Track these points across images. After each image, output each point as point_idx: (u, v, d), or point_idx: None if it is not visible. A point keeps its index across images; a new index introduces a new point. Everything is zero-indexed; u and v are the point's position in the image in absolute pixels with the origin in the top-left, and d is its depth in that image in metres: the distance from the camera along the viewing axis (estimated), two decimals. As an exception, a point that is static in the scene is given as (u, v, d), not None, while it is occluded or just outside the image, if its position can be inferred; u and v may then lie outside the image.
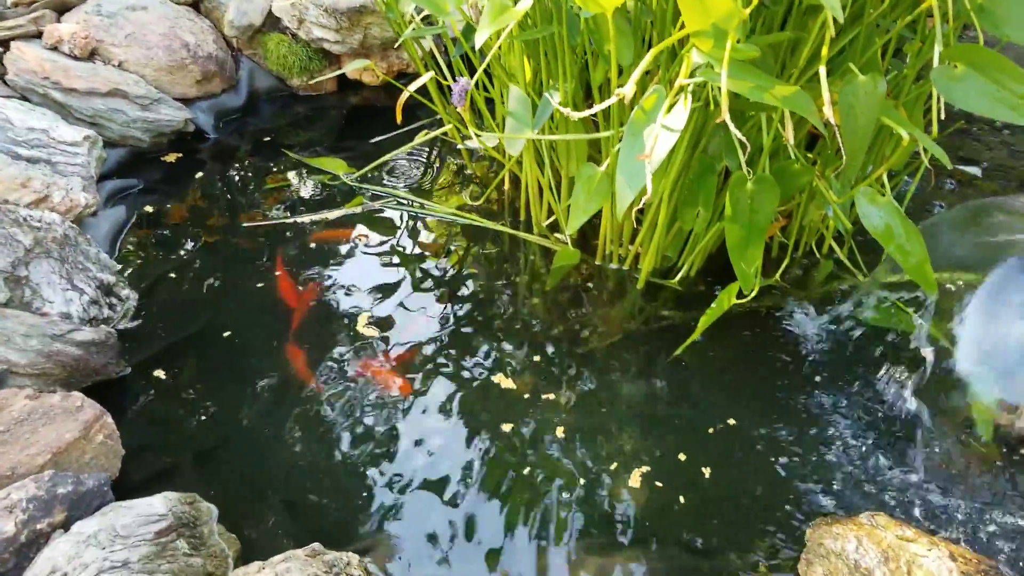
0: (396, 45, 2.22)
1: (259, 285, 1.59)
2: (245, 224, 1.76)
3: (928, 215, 1.75)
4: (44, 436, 1.10)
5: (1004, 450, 1.17)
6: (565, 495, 1.21)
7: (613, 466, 1.25)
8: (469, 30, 1.55)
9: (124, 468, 1.19)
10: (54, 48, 1.86)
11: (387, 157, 1.96)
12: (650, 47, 1.32)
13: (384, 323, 1.51)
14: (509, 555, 1.13)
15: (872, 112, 1.05)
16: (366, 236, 1.74)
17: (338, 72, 2.16)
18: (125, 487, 1.16)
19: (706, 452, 1.27)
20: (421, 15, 1.78)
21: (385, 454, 1.26)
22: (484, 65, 1.37)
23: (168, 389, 1.36)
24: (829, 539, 1.05)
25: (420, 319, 1.52)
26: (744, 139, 1.05)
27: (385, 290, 1.59)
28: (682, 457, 1.26)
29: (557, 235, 1.72)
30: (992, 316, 1.20)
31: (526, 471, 1.24)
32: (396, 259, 1.68)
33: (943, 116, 1.07)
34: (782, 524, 1.17)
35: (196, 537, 1.04)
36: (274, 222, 1.76)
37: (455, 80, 1.34)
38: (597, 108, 1.11)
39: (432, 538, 1.15)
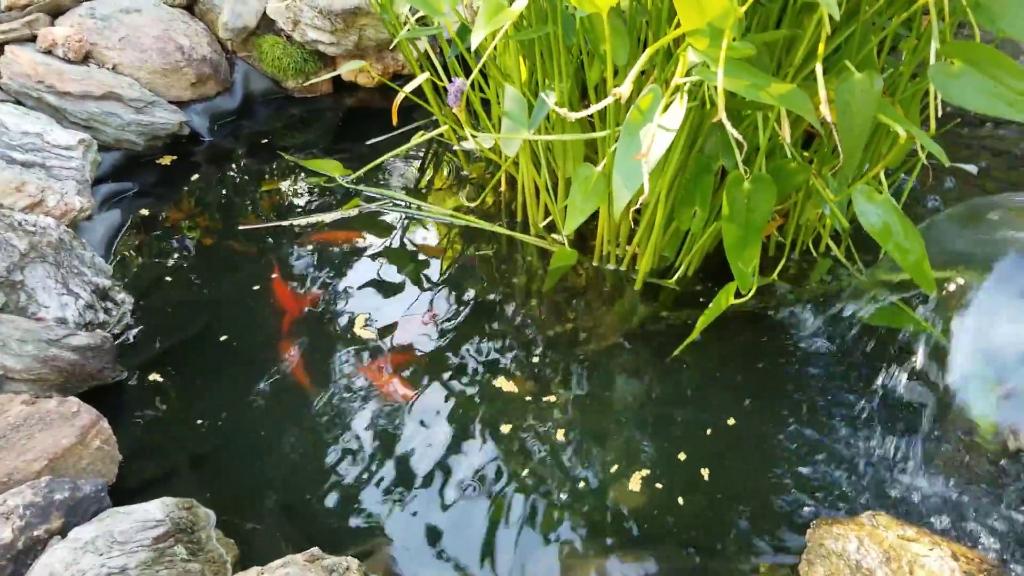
0: (391, 46, 2.22)
1: (255, 288, 1.58)
2: (241, 227, 1.76)
3: (920, 208, 1.75)
4: (40, 442, 1.09)
5: (1005, 448, 1.17)
6: (566, 497, 1.20)
7: (613, 468, 1.24)
8: (464, 31, 1.55)
9: (121, 473, 1.18)
10: (48, 52, 1.86)
11: (383, 159, 1.95)
12: (645, 47, 1.32)
13: (381, 325, 1.50)
14: (510, 559, 1.12)
15: (869, 110, 1.05)
16: (363, 238, 1.74)
17: (333, 74, 2.16)
18: (122, 492, 1.15)
19: (705, 452, 1.27)
20: (416, 16, 1.78)
21: (384, 457, 1.26)
22: (480, 66, 1.37)
23: (164, 393, 1.35)
24: (830, 539, 1.04)
25: (417, 321, 1.52)
26: (741, 138, 1.05)
27: (382, 292, 1.59)
28: (681, 457, 1.26)
29: (554, 236, 1.71)
30: (993, 314, 1.20)
31: (525, 473, 1.23)
32: (393, 261, 1.67)
33: (940, 113, 1.06)
34: (782, 525, 1.17)
35: (194, 543, 1.03)
36: (270, 225, 1.76)
37: (451, 81, 1.34)
38: (594, 108, 1.11)
39: (432, 542, 1.14)
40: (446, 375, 1.40)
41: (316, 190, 1.88)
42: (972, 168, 1.91)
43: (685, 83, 1.01)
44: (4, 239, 1.33)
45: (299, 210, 1.81)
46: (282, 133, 2.13)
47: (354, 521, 1.16)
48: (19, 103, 1.79)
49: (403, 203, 1.84)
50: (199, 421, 1.30)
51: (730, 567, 1.11)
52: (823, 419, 1.32)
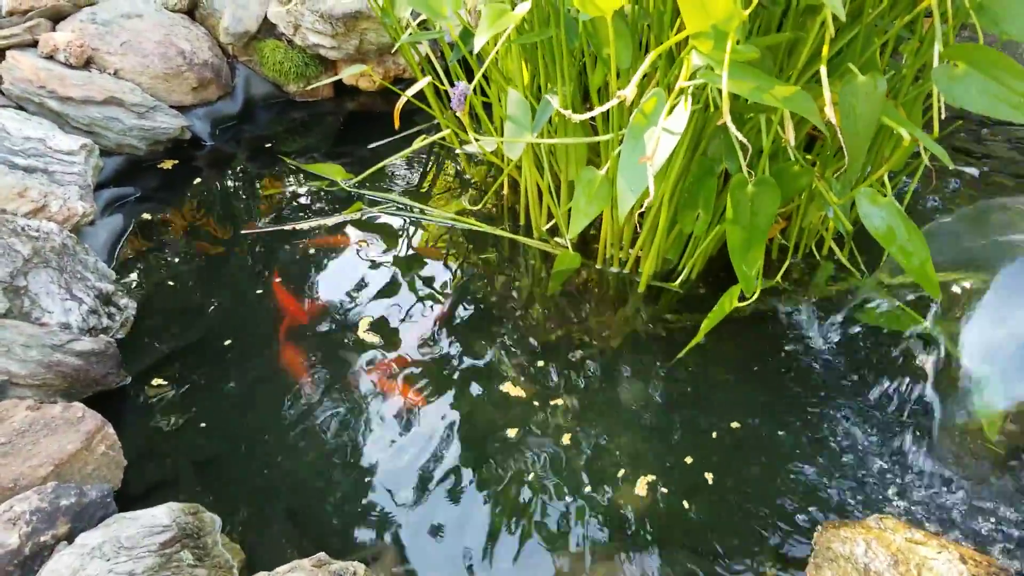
0: (393, 50, 2.22)
1: (258, 292, 1.58)
2: (243, 231, 1.76)
3: (922, 211, 1.75)
4: (46, 447, 1.09)
5: (1012, 451, 1.17)
6: (572, 502, 1.20)
7: (619, 473, 1.24)
8: (467, 34, 1.55)
9: (125, 478, 1.18)
10: (50, 57, 1.86)
11: (385, 162, 1.95)
12: (647, 50, 1.32)
13: (385, 329, 1.50)
14: (516, 563, 1.12)
15: (873, 112, 1.05)
16: (365, 242, 1.74)
17: (334, 78, 2.16)
18: (127, 498, 1.15)
19: (711, 456, 1.27)
20: (418, 20, 1.78)
21: (390, 462, 1.25)
22: (483, 70, 1.37)
23: (168, 398, 1.35)
24: (837, 543, 1.04)
25: (420, 325, 1.51)
26: (745, 141, 1.05)
27: (384, 296, 1.59)
28: (687, 461, 1.26)
29: (557, 239, 1.71)
30: (998, 317, 1.20)
31: (531, 478, 1.23)
32: (395, 265, 1.67)
33: (943, 115, 1.07)
34: (790, 528, 1.16)
35: (200, 548, 1.03)
36: (272, 229, 1.76)
37: (452, 85, 1.34)
38: (598, 111, 1.11)
39: (438, 546, 1.14)
40: (450, 379, 1.40)
41: (318, 194, 1.88)
42: (974, 171, 1.91)
43: (689, 86, 1.01)
44: (7, 245, 1.33)
45: (301, 214, 1.81)
46: (283, 137, 2.13)
47: (361, 526, 1.16)
48: (21, 108, 1.79)
49: (405, 207, 1.84)
50: (203, 425, 1.30)
51: (738, 571, 1.11)
52: (828, 421, 1.31)
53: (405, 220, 1.81)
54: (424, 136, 2.00)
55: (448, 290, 1.61)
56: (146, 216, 1.79)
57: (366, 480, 1.23)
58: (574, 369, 1.43)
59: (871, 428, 1.29)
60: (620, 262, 1.64)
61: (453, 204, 1.87)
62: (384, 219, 1.81)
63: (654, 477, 1.23)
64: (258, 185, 1.93)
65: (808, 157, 1.47)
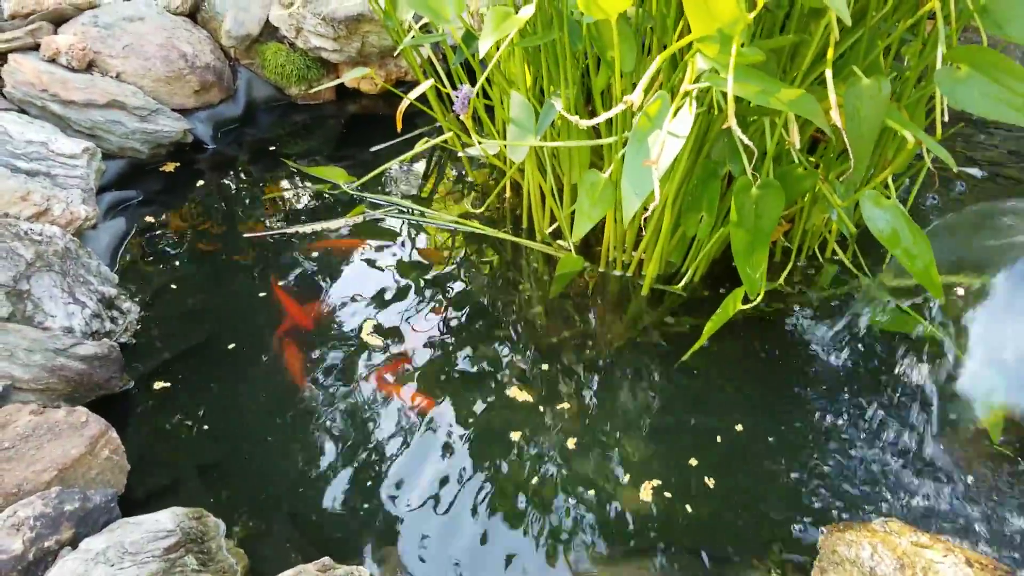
0: (395, 53, 2.22)
1: (261, 295, 1.58)
2: (246, 234, 1.75)
3: (924, 212, 1.75)
4: (50, 452, 1.09)
5: (1016, 453, 1.17)
6: (576, 505, 1.20)
7: (623, 475, 1.24)
8: (470, 37, 1.55)
9: (129, 483, 1.18)
10: (52, 60, 1.86)
11: (387, 166, 1.95)
12: (650, 53, 1.32)
13: (388, 332, 1.50)
14: (521, 567, 1.12)
15: (877, 115, 1.05)
16: (367, 245, 1.74)
17: (336, 81, 2.16)
18: (131, 502, 1.15)
19: (715, 459, 1.27)
20: (420, 23, 1.78)
21: (394, 466, 1.25)
22: (487, 73, 1.37)
23: (172, 402, 1.35)
24: (843, 546, 1.04)
25: (423, 328, 1.51)
26: (750, 143, 1.05)
27: (387, 299, 1.58)
28: (692, 463, 1.26)
29: (560, 242, 1.71)
30: (1001, 319, 1.20)
31: (536, 482, 1.23)
32: (397, 268, 1.67)
33: (947, 118, 1.07)
34: (794, 532, 1.16)
35: (204, 553, 1.03)
36: (274, 232, 1.76)
37: (454, 88, 1.34)
38: (604, 116, 1.10)
39: (443, 551, 1.14)
40: (453, 383, 1.40)
41: (320, 197, 1.88)
42: (976, 172, 1.91)
43: (694, 89, 1.01)
44: (10, 248, 1.33)
45: (303, 217, 1.81)
46: (286, 140, 2.13)
47: (365, 530, 1.16)
48: (23, 112, 1.79)
49: (407, 210, 1.84)
50: (207, 429, 1.30)
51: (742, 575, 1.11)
52: (832, 424, 1.31)
53: (407, 223, 1.81)
54: (426, 139, 2.00)
55: (450, 293, 1.61)
56: (148, 219, 1.79)
57: (370, 484, 1.22)
58: (578, 372, 1.42)
59: (876, 430, 1.29)
60: (623, 265, 1.64)
61: (455, 207, 1.87)
62: (386, 222, 1.81)
63: (659, 482, 1.23)
64: (260, 188, 1.93)
65: (812, 160, 1.47)
